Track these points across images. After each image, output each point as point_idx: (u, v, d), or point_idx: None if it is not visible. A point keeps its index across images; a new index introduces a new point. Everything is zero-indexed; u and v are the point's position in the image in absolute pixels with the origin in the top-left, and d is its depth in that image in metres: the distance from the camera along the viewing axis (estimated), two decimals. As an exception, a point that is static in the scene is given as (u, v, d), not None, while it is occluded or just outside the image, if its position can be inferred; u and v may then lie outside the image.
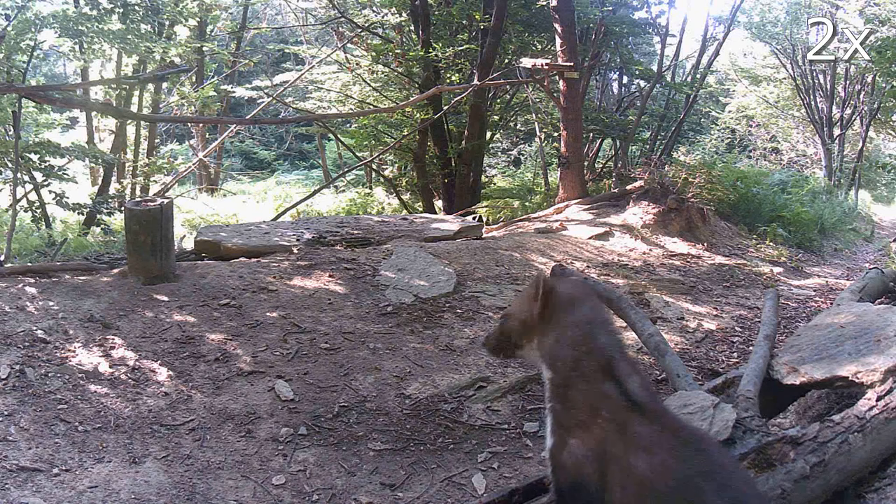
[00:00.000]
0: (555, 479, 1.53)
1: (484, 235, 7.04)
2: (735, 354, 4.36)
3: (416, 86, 10.54)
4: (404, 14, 10.40)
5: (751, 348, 3.44)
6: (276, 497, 2.67)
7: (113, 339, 3.59)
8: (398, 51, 10.18)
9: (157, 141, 13.32)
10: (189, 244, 6.69)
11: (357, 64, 11.68)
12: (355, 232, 6.11)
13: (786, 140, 19.65)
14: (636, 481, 1.37)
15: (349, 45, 12.41)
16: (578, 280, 1.87)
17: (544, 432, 1.58)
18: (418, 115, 10.30)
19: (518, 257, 6.00)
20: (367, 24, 10.97)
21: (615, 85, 14.26)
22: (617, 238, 7.17)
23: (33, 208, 8.06)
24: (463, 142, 10.33)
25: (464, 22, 10.52)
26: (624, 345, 1.61)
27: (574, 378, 1.53)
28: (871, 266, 5.95)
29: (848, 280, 6.58)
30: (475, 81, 9.27)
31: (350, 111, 12.10)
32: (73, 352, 3.42)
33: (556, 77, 8.76)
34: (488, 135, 12.01)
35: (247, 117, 12.29)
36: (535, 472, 2.58)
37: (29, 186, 7.94)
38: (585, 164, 10.84)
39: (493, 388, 3.55)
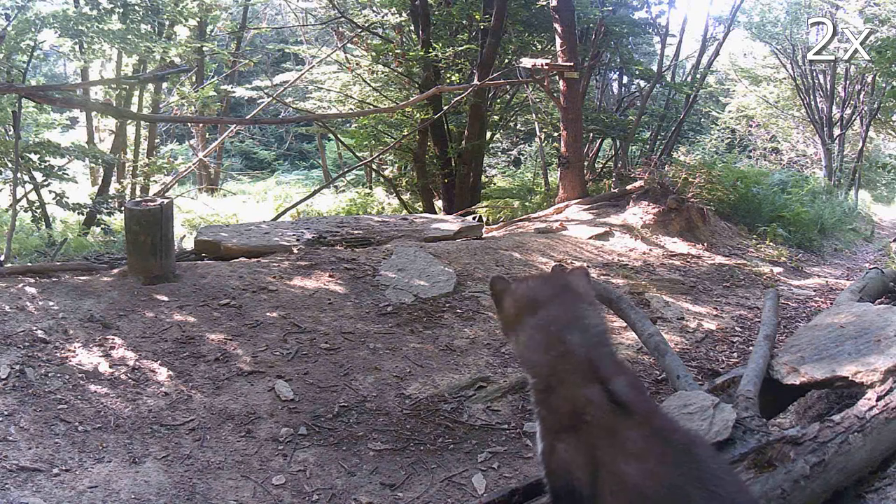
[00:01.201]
0: (549, 483, 1.52)
1: (484, 235, 7.03)
2: (735, 354, 4.36)
3: (416, 86, 10.54)
4: (404, 14, 10.40)
5: (751, 348, 3.44)
6: (276, 497, 2.67)
7: (113, 339, 3.59)
8: (398, 51, 10.18)
9: (157, 141, 13.32)
10: (189, 244, 6.69)
11: (357, 64, 11.67)
12: (355, 232, 6.11)
13: (786, 140, 19.64)
14: (626, 488, 1.35)
15: (349, 45, 12.41)
16: (545, 277, 1.76)
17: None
18: (418, 115, 10.30)
19: (518, 257, 6.00)
20: (367, 24, 10.97)
21: (615, 85, 14.26)
22: (617, 238, 7.17)
23: (33, 208, 8.05)
24: (463, 142, 10.33)
25: (464, 22, 10.52)
26: (604, 341, 1.51)
27: (554, 382, 1.47)
28: (871, 266, 5.95)
29: (848, 280, 6.58)
30: (475, 81, 9.27)
31: (350, 111, 12.10)
32: (73, 352, 3.42)
33: (556, 77, 8.76)
34: (488, 135, 12.01)
35: (247, 117, 12.29)
36: (535, 472, 2.58)
37: (29, 186, 7.93)
38: (585, 164, 10.83)
39: (493, 388, 3.55)
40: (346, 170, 14.04)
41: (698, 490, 1.32)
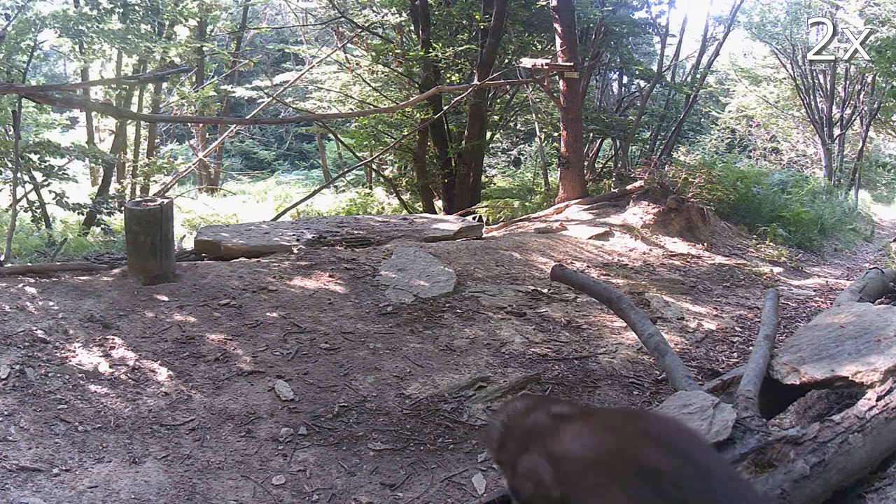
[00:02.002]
0: (517, 495, 1.59)
1: (484, 235, 7.04)
2: (735, 354, 4.36)
3: (416, 86, 10.54)
4: (404, 14, 10.40)
5: (751, 348, 3.44)
6: (276, 497, 2.67)
7: (113, 339, 3.59)
8: (398, 51, 10.18)
9: (157, 141, 13.33)
10: (189, 244, 6.69)
11: (357, 64, 11.68)
12: (355, 232, 6.11)
13: (786, 140, 19.64)
14: (573, 461, 1.42)
15: (349, 45, 12.41)
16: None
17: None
18: (418, 115, 10.30)
19: (518, 257, 6.00)
20: (367, 24, 10.97)
21: (615, 85, 14.25)
22: (617, 238, 7.17)
23: (33, 208, 8.06)
24: (463, 142, 10.33)
25: (464, 22, 10.52)
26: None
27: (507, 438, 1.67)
28: (871, 266, 5.95)
29: (848, 280, 6.58)
30: (475, 81, 9.27)
31: (350, 111, 12.10)
32: (73, 352, 3.42)
33: (556, 77, 8.76)
34: (488, 135, 12.01)
35: (247, 117, 12.29)
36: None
37: (29, 186, 7.93)
38: (585, 164, 10.84)
39: (493, 388, 3.54)
40: (346, 170, 14.04)
41: (646, 440, 1.37)
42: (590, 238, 7.04)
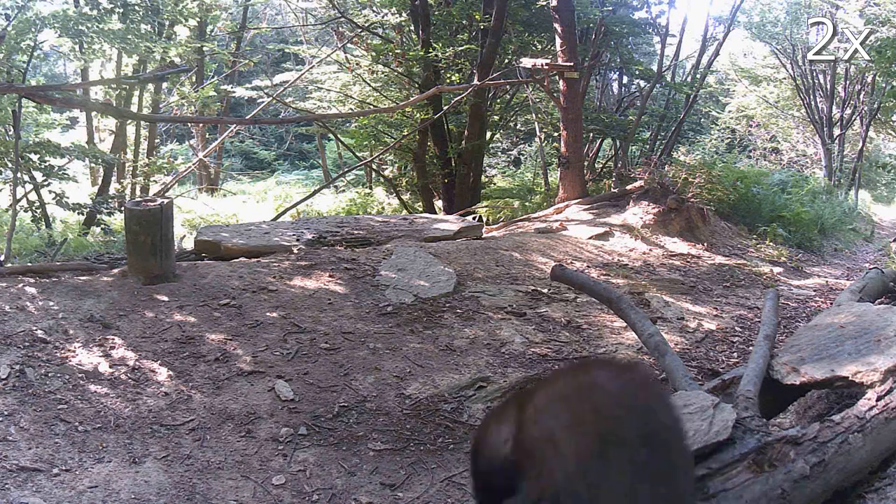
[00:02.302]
0: (476, 475, 1.66)
1: (484, 235, 7.04)
2: (735, 354, 4.36)
3: (416, 86, 10.54)
4: (404, 14, 10.40)
5: (751, 348, 3.44)
6: (276, 497, 2.67)
7: (113, 339, 3.59)
8: (398, 51, 10.18)
9: (157, 141, 13.33)
10: (189, 244, 6.69)
11: (357, 64, 11.68)
12: (355, 232, 6.11)
13: (786, 140, 19.64)
14: (542, 397, 1.48)
15: (349, 45, 12.41)
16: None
17: None
18: (418, 115, 10.30)
19: (518, 257, 6.00)
20: (367, 24, 10.97)
21: (615, 85, 14.26)
22: (617, 238, 7.17)
23: (33, 208, 8.06)
24: (463, 142, 10.33)
25: (464, 22, 10.52)
26: None
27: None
28: (871, 266, 5.96)
29: (848, 280, 6.58)
30: (475, 81, 9.27)
31: (350, 111, 12.10)
32: (73, 352, 3.42)
33: (556, 77, 8.76)
34: (488, 135, 12.01)
35: (247, 117, 12.29)
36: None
37: (29, 186, 7.94)
38: (585, 164, 10.83)
39: (493, 388, 3.55)
40: (346, 170, 14.04)
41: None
42: (590, 238, 7.04)
